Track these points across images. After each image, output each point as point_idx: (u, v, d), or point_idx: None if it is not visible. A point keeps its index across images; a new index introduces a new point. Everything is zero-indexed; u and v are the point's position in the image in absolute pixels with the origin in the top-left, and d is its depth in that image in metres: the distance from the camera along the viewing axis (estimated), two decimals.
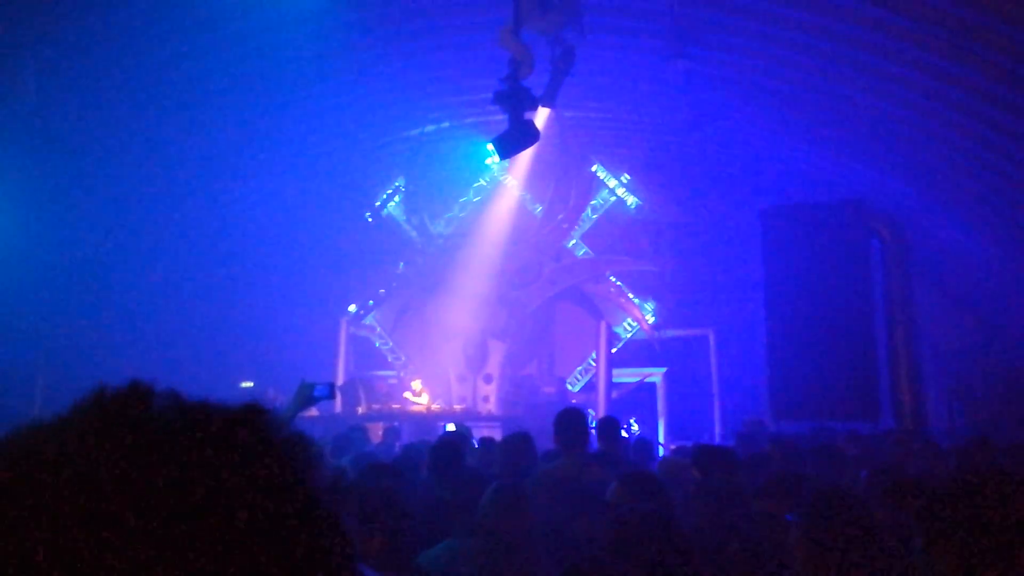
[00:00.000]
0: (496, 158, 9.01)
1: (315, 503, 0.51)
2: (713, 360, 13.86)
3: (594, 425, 5.85)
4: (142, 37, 8.58)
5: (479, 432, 8.70)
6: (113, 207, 10.36)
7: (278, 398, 11.62)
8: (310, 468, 0.52)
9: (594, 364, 13.74)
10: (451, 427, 9.12)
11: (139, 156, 10.28)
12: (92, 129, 9.34)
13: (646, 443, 6.67)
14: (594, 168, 14.95)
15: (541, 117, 10.28)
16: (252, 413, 0.53)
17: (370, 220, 15.31)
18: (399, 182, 15.15)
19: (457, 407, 12.89)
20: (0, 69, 8.00)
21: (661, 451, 10.75)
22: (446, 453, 4.21)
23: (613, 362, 13.35)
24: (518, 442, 4.40)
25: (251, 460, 0.49)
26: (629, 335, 14.77)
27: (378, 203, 15.37)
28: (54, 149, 8.98)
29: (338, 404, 11.43)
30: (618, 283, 14.84)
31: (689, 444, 7.53)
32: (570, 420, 4.19)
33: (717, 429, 13.17)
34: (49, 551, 0.43)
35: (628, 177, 14.94)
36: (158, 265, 11.58)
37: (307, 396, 3.66)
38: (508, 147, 7.70)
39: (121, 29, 8.40)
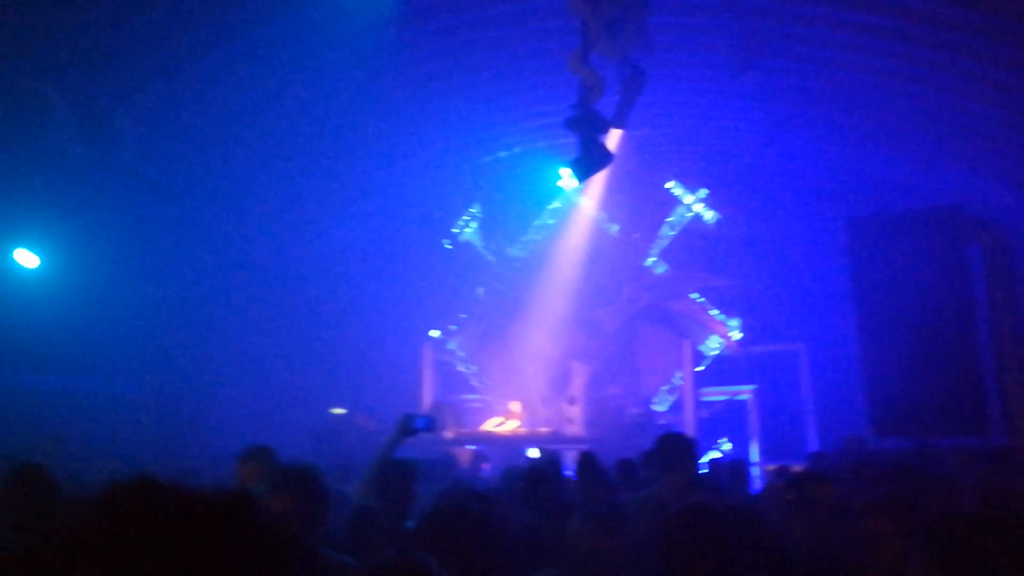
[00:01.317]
0: (569, 180, 9.04)
1: None
2: (805, 376, 13.39)
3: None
4: (230, 87, 9.07)
5: (566, 454, 8.66)
6: (209, 247, 10.92)
7: (368, 424, 11.87)
8: (287, 552, 0.64)
9: (680, 383, 13.49)
10: (533, 452, 9.08)
11: (231, 198, 10.82)
12: (189, 175, 9.91)
13: (740, 465, 6.38)
14: (669, 184, 14.79)
15: (613, 137, 10.25)
16: (236, 504, 0.67)
17: (448, 247, 15.57)
18: (475, 208, 15.38)
19: (543, 430, 12.87)
20: (102, 121, 8.58)
21: (756, 471, 10.41)
22: (538, 480, 4.20)
23: (700, 380, 13.07)
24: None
25: (230, 544, 0.63)
26: (715, 352, 14.44)
27: (455, 230, 15.63)
28: (156, 195, 9.57)
29: None
30: (700, 300, 14.57)
31: (787, 463, 7.25)
32: (675, 443, 4.07)
33: (814, 447, 12.67)
34: None
35: (706, 191, 14.69)
36: (252, 300, 12.08)
37: (408, 427, 3.75)
38: (581, 171, 7.70)
39: (212, 81, 8.90)
